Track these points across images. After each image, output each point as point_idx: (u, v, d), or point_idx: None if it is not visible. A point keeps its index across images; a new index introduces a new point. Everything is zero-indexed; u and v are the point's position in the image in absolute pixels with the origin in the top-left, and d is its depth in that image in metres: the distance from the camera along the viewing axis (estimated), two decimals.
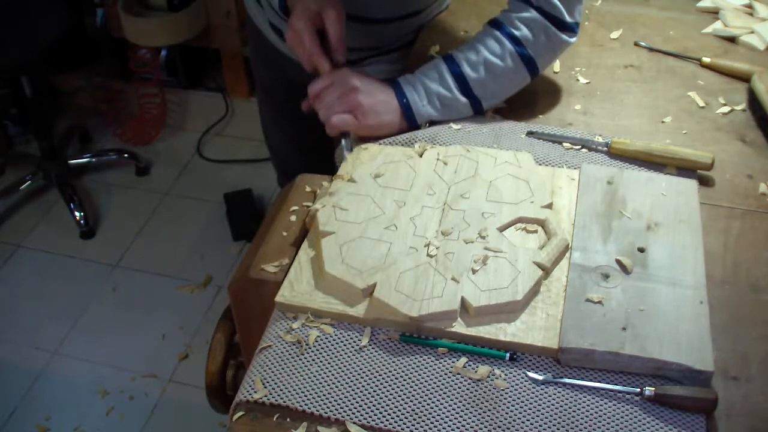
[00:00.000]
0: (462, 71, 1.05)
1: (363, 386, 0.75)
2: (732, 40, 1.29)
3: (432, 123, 1.08)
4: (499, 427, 0.72)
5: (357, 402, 0.74)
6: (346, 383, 0.76)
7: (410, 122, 1.06)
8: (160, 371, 2.06)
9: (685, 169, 1.00)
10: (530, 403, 0.74)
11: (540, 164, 1.01)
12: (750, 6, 1.35)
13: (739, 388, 0.76)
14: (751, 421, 0.74)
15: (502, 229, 0.90)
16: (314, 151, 1.58)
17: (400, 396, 0.74)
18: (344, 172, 0.99)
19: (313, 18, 1.02)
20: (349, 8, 1.06)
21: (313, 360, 0.78)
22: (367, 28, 1.19)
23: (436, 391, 0.75)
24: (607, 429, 0.72)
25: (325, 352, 0.79)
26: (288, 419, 0.73)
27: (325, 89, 1.03)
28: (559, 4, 1.03)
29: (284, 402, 0.74)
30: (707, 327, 0.78)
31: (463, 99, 1.06)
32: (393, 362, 0.78)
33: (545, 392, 0.75)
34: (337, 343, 0.80)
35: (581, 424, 0.72)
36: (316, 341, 0.80)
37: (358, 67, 1.24)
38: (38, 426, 1.93)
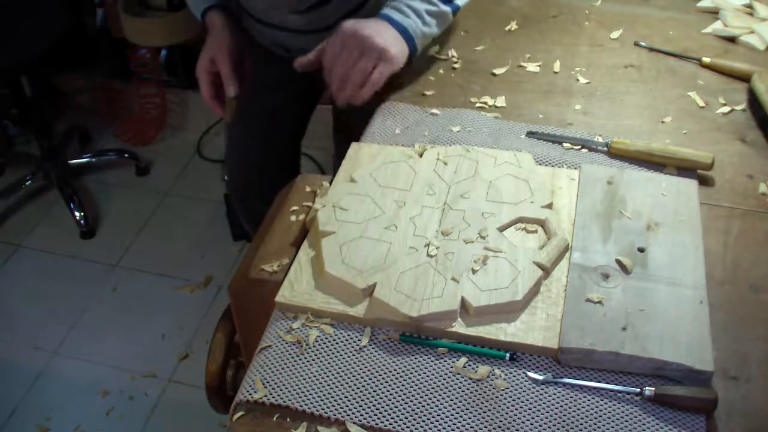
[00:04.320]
0: None
1: (363, 386, 0.75)
2: (732, 40, 1.30)
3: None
4: (499, 427, 0.72)
5: (357, 402, 0.74)
6: (346, 383, 0.76)
7: (411, 47, 1.10)
8: (160, 371, 2.06)
9: (685, 169, 1.00)
10: (530, 403, 0.74)
11: (540, 164, 1.01)
12: (750, 6, 1.35)
13: (739, 388, 0.76)
14: (751, 421, 0.74)
15: (502, 229, 0.90)
16: (281, 143, 1.58)
17: (400, 396, 0.74)
18: (344, 172, 0.99)
19: (209, 65, 1.20)
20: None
21: (313, 360, 0.78)
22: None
23: (436, 391, 0.75)
24: (607, 429, 0.72)
25: (325, 352, 0.79)
26: (288, 419, 0.73)
27: (339, 56, 1.05)
28: None
29: (284, 402, 0.74)
30: (707, 327, 0.78)
31: (446, 8, 1.13)
32: (393, 362, 0.78)
33: (545, 392, 0.75)
34: (337, 343, 0.80)
35: (581, 424, 0.72)
36: (316, 341, 0.80)
37: None
38: (38, 426, 1.93)
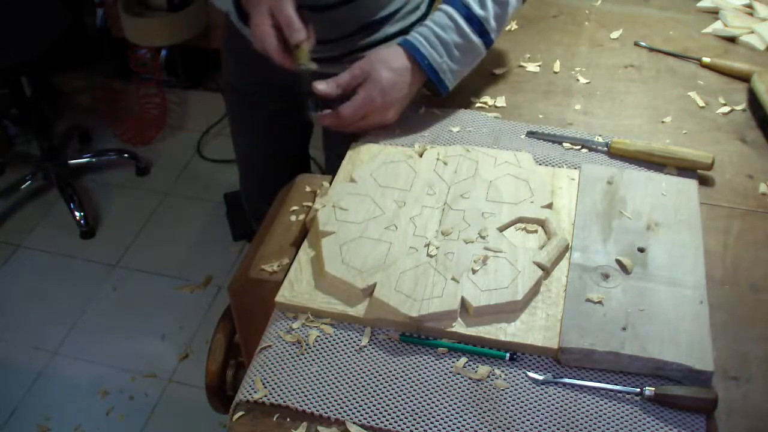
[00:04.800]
0: (473, 12, 1.05)
1: (363, 386, 0.75)
2: (732, 40, 1.29)
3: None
4: (499, 427, 0.72)
5: (357, 402, 0.74)
6: (346, 383, 0.76)
7: (433, 78, 1.06)
8: (160, 371, 2.06)
9: (685, 169, 1.00)
10: (530, 403, 0.74)
11: (540, 164, 1.01)
12: (750, 6, 1.35)
13: (739, 388, 0.76)
14: (751, 421, 0.74)
15: (502, 229, 0.90)
16: (285, 152, 1.56)
17: (400, 396, 0.74)
18: (344, 172, 0.99)
19: (269, 19, 1.04)
20: None
21: (313, 360, 0.78)
22: (318, 17, 1.19)
23: (436, 391, 0.75)
24: (607, 429, 0.72)
25: (325, 352, 0.79)
26: (288, 419, 0.73)
27: (360, 114, 1.05)
28: None
29: (284, 402, 0.74)
30: (707, 327, 0.78)
31: (478, 39, 1.07)
32: (393, 362, 0.78)
33: (545, 392, 0.75)
34: (337, 343, 0.80)
35: (581, 424, 0.72)
36: (316, 341, 0.80)
37: (339, 65, 1.22)
38: (38, 426, 1.93)
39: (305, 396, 0.74)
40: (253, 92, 1.49)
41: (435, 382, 0.76)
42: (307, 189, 0.99)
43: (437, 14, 1.07)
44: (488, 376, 0.76)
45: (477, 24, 1.06)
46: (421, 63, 1.04)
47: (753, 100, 1.14)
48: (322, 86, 1.05)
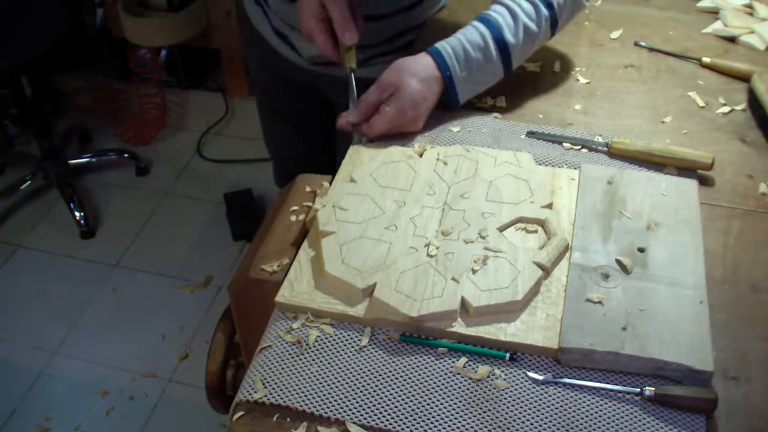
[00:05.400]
0: (504, 38, 1.05)
1: (363, 386, 0.75)
2: (732, 40, 1.29)
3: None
4: (499, 427, 0.72)
5: (357, 402, 0.74)
6: (346, 383, 0.76)
7: (449, 90, 1.06)
8: (160, 371, 2.06)
9: (685, 169, 1.00)
10: (530, 403, 0.74)
11: (540, 164, 1.01)
12: (750, 6, 1.35)
13: (739, 388, 0.76)
14: (751, 421, 0.74)
15: (502, 229, 0.90)
16: (313, 150, 1.57)
17: (400, 396, 0.74)
18: (344, 172, 0.99)
19: (319, 11, 1.04)
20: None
21: (313, 360, 0.78)
22: (367, 26, 1.19)
23: (436, 391, 0.75)
24: (607, 429, 0.72)
25: (325, 352, 0.79)
26: (288, 419, 0.73)
27: (392, 128, 1.05)
28: None
29: (284, 402, 0.74)
30: (707, 327, 0.78)
31: (500, 65, 1.08)
32: (393, 362, 0.78)
33: (545, 392, 0.75)
34: (337, 343, 0.80)
35: (581, 424, 0.72)
36: (316, 341, 0.80)
37: (363, 68, 1.23)
38: (38, 426, 1.93)
39: (305, 396, 0.74)
40: (271, 90, 1.50)
41: (435, 382, 0.76)
42: (307, 189, 0.99)
43: (470, 30, 1.06)
44: (488, 376, 0.76)
45: (504, 50, 1.06)
46: (443, 73, 1.04)
47: (753, 100, 1.14)
48: (352, 117, 1.05)
